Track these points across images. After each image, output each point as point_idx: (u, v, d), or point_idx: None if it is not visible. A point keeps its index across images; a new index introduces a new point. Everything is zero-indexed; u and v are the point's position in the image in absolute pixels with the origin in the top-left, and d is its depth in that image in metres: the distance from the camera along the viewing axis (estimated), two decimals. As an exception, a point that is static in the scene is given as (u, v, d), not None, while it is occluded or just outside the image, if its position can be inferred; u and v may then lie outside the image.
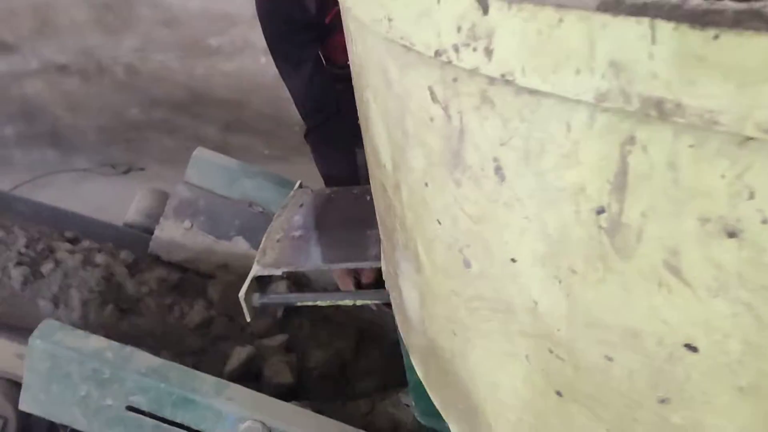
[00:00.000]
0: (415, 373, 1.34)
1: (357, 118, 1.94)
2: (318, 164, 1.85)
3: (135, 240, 1.86)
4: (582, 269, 0.55)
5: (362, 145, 2.03)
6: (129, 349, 1.27)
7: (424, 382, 1.01)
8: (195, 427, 1.26)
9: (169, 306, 1.69)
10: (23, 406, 1.26)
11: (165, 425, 1.26)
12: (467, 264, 0.71)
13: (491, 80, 0.57)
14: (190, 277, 1.80)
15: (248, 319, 1.34)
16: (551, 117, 0.52)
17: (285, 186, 1.89)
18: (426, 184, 0.74)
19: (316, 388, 1.65)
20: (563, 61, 0.49)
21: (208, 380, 1.28)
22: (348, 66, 1.81)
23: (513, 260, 0.63)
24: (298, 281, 1.80)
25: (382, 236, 1.11)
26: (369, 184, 1.87)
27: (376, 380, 1.66)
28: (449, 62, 0.60)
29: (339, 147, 1.80)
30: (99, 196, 3.97)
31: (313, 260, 1.37)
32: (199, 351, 1.61)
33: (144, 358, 1.27)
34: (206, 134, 4.35)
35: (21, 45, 4.08)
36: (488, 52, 0.55)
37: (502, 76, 0.54)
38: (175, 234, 1.84)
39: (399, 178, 0.83)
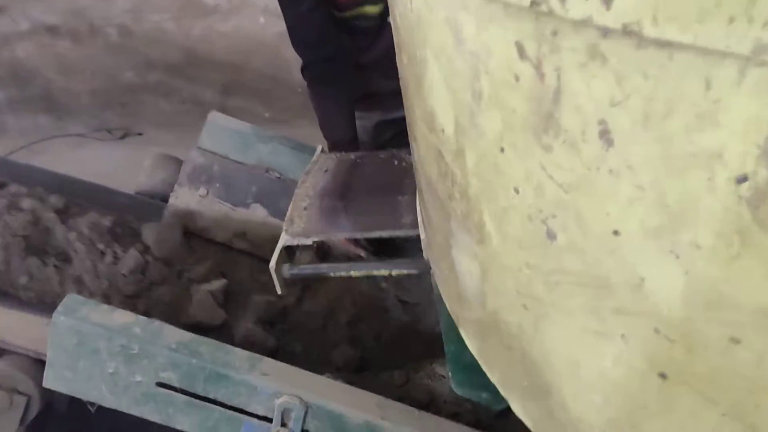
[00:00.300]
0: (454, 344, 1.31)
1: (356, 72, 1.91)
2: (315, 107, 1.80)
3: (149, 209, 1.79)
4: (710, 244, 0.50)
5: (366, 108, 2.00)
6: (157, 323, 1.22)
7: (478, 357, 0.96)
8: (228, 403, 1.22)
9: (102, 251, 1.61)
10: (47, 384, 1.21)
11: (197, 401, 1.21)
12: (551, 236, 0.66)
13: (605, 32, 0.50)
14: (125, 221, 1.72)
15: (279, 292, 1.29)
16: (686, 73, 0.46)
17: (302, 151, 1.83)
18: (502, 150, 0.68)
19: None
20: (712, 8, 0.42)
21: (241, 354, 1.23)
22: (345, 11, 1.74)
23: (615, 233, 0.58)
24: (318, 250, 1.75)
25: (426, 204, 1.05)
26: (366, 150, 1.84)
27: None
28: (549, 13, 0.54)
29: (337, 90, 1.75)
30: (97, 163, 3.88)
31: (344, 228, 1.31)
32: (134, 296, 1.55)
33: (173, 333, 1.22)
34: (204, 97, 4.24)
35: (9, 6, 3.93)
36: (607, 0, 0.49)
37: (624, 27, 0.48)
38: (190, 202, 1.77)
39: (463, 143, 0.77)
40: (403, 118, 2.16)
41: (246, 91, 4.26)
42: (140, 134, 4.30)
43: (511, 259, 0.75)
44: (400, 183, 1.43)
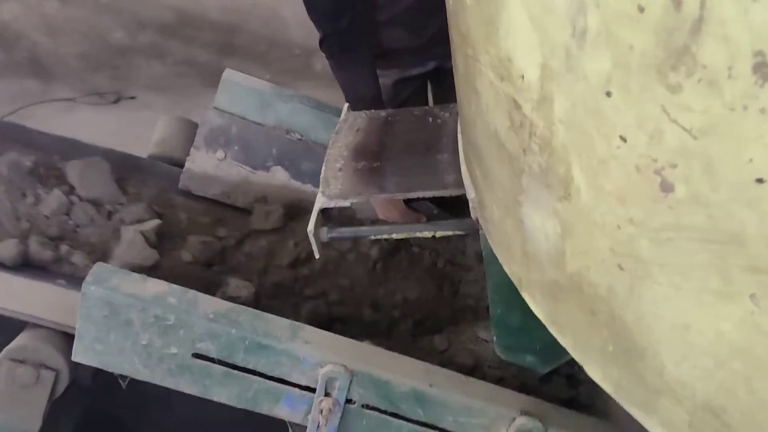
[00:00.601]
0: (500, 307, 1.26)
1: (374, 29, 1.84)
2: (338, 77, 1.73)
3: (163, 174, 1.71)
4: None
5: (385, 66, 1.92)
6: (192, 293, 1.15)
7: (547, 321, 0.91)
8: (269, 373, 1.16)
9: (23, 192, 1.53)
10: (77, 357, 1.15)
11: (235, 372, 1.16)
12: (667, 188, 0.60)
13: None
14: (47, 160, 1.62)
15: (317, 256, 1.23)
16: None
17: (323, 110, 1.75)
18: (608, 94, 0.62)
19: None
20: None
21: (281, 323, 1.17)
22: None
23: (759, 181, 0.52)
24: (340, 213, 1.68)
25: (483, 161, 0.98)
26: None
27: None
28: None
29: (357, 57, 1.69)
30: (89, 128, 3.75)
31: (384, 189, 1.24)
32: (57, 238, 1.48)
33: (210, 302, 1.16)
34: (199, 59, 4.11)
35: (-7, -35, 3.76)
36: None
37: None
38: (207, 166, 1.69)
39: (551, 89, 0.70)
40: (422, 75, 2.11)
41: (242, 52, 4.13)
42: (133, 98, 4.17)
43: (607, 215, 0.69)
44: (438, 141, 1.36)
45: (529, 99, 0.75)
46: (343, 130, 1.45)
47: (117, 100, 4.11)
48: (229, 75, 1.73)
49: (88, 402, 1.43)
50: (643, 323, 0.70)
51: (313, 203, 1.72)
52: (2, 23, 3.87)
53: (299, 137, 1.72)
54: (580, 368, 1.40)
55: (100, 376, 1.28)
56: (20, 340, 1.18)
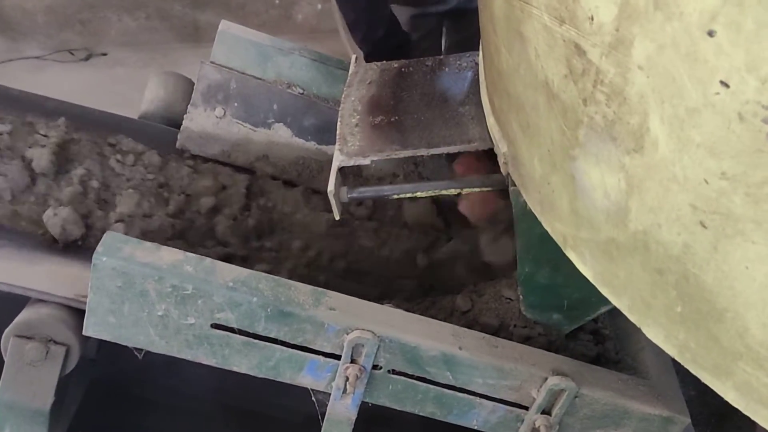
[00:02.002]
0: (529, 266, 1.21)
1: None
2: (340, 5, 1.70)
3: (158, 134, 1.62)
4: None
5: (401, 2, 1.84)
6: (209, 261, 1.08)
7: (598, 281, 0.87)
8: (291, 341, 1.11)
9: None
10: (88, 331, 1.08)
11: (256, 341, 1.10)
12: (775, 138, 0.55)
13: None
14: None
15: (337, 217, 1.17)
16: None
17: (325, 63, 1.66)
18: (710, 34, 0.56)
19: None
20: None
21: (303, 289, 1.11)
22: None
23: None
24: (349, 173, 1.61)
25: (525, 113, 0.92)
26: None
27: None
28: None
29: None
30: (60, 87, 3.58)
31: (406, 145, 1.18)
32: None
33: (228, 270, 1.09)
34: (171, 11, 3.93)
35: None
36: None
37: None
38: (206, 124, 1.60)
39: (631, 32, 0.64)
40: (440, 13, 2.01)
41: (217, 4, 3.96)
42: (105, 54, 3.99)
43: (691, 169, 0.63)
44: (457, 93, 1.29)
45: (598, 43, 0.68)
46: (354, 83, 1.37)
47: (88, 57, 3.93)
48: (226, 27, 1.62)
49: (94, 373, 1.36)
50: (726, 283, 0.66)
51: (316, 161, 1.66)
52: (-40, -24, 3.64)
53: (301, 92, 1.64)
54: (606, 324, 1.38)
55: (104, 345, 1.22)
56: (25, 314, 1.10)
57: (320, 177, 1.64)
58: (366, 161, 1.17)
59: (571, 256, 0.91)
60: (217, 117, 1.61)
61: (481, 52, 1.25)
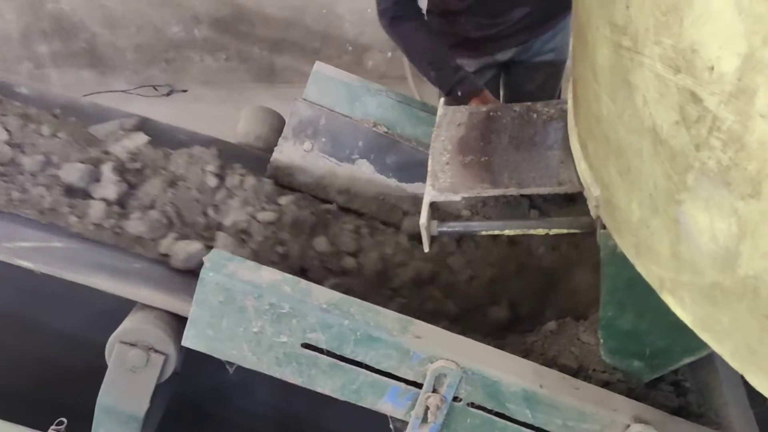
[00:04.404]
0: (612, 310, 1.22)
1: (446, 19, 1.93)
2: (403, 45, 1.87)
3: (252, 159, 1.70)
4: None
5: (463, 56, 1.97)
6: (305, 283, 1.14)
7: (698, 325, 0.88)
8: (376, 366, 1.14)
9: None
10: (187, 342, 1.14)
11: (343, 364, 1.14)
12: None
13: None
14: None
15: (426, 249, 1.21)
16: None
17: (410, 104, 1.73)
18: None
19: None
20: None
21: (391, 316, 1.15)
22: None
23: None
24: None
25: (626, 158, 0.95)
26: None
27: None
28: None
29: (417, 23, 1.81)
30: (143, 120, 3.79)
31: (497, 184, 1.22)
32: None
33: (323, 293, 1.14)
34: (251, 54, 4.12)
35: (55, -44, 3.80)
36: None
37: None
38: (294, 156, 1.68)
39: (754, 81, 0.67)
40: (497, 65, 2.13)
41: (295, 48, 4.13)
42: (185, 91, 4.19)
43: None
44: (545, 137, 1.33)
45: (717, 92, 0.72)
46: (444, 124, 1.43)
47: (169, 93, 4.14)
48: (320, 67, 1.72)
49: (176, 386, 1.41)
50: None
51: (397, 197, 1.72)
52: (62, 14, 3.90)
53: (385, 131, 1.70)
54: (687, 377, 1.36)
55: (186, 359, 1.27)
56: (130, 322, 1.17)
57: (396, 211, 1.70)
58: (456, 197, 1.22)
59: (668, 300, 0.92)
60: (305, 150, 1.69)
61: (571, 100, 1.29)
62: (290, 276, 1.13)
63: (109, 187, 1.41)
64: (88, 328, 1.46)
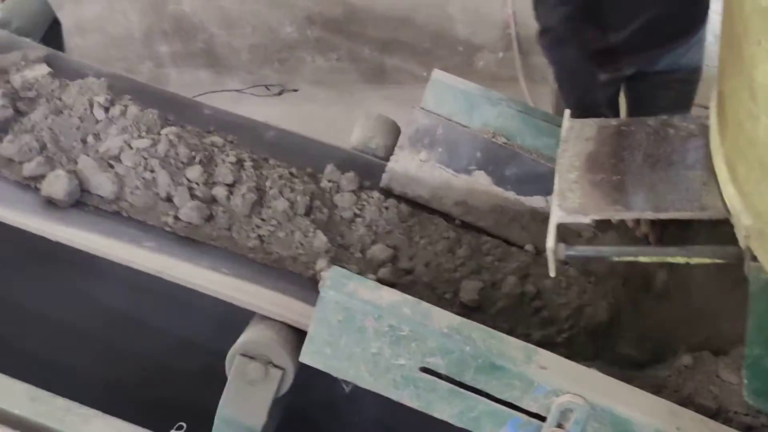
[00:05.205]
0: (759, 348, 1.12)
1: (602, 56, 1.74)
2: (555, 69, 1.68)
3: (365, 166, 1.69)
4: None
5: (610, 69, 1.81)
6: (425, 304, 1.11)
7: None
8: (497, 396, 1.10)
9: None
10: (304, 358, 1.14)
11: (462, 390, 1.10)
12: None
13: None
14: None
15: (553, 274, 1.15)
16: None
17: (531, 114, 1.67)
18: None
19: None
20: None
21: (515, 344, 1.10)
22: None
23: None
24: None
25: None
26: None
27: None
28: None
29: (578, 51, 1.62)
30: (256, 119, 3.89)
31: (630, 207, 1.14)
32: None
33: (443, 316, 1.11)
34: (361, 54, 4.13)
35: (175, -41, 3.96)
36: None
37: None
38: (410, 166, 1.65)
39: None
40: (624, 78, 1.96)
41: (405, 49, 4.11)
42: (296, 91, 4.27)
43: None
44: (684, 156, 1.23)
45: None
46: (571, 138, 1.35)
47: (281, 93, 4.23)
48: (438, 75, 1.69)
49: (289, 399, 1.43)
50: None
51: (515, 210, 1.66)
52: (183, 15, 4.07)
53: (505, 141, 1.64)
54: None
55: (298, 374, 1.27)
56: (250, 334, 1.18)
57: (514, 226, 1.63)
58: (586, 219, 1.14)
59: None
60: (421, 160, 1.65)
61: (715, 116, 1.19)
62: (410, 297, 1.11)
63: None
64: (201, 329, 1.49)
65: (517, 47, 3.80)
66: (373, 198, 1.59)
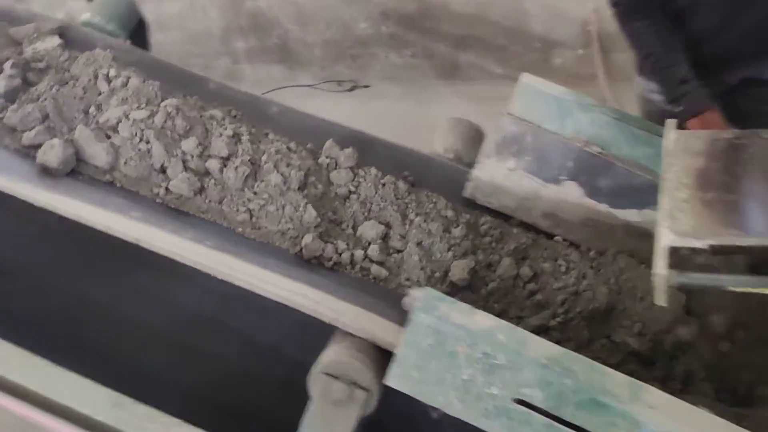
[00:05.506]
0: None
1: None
2: (633, 43, 1.72)
3: (449, 173, 1.62)
4: None
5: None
6: (520, 331, 1.04)
7: None
8: (597, 434, 1.02)
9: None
10: (391, 381, 1.09)
11: (560, 426, 1.03)
12: None
13: None
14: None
15: (663, 303, 1.06)
16: None
17: (627, 122, 1.56)
18: None
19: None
20: None
21: (620, 379, 1.02)
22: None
23: None
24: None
25: None
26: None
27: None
28: None
29: (657, 20, 1.66)
30: (325, 115, 3.88)
31: (752, 232, 1.04)
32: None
33: (540, 345, 1.04)
34: (436, 50, 4.06)
35: (252, -45, 3.98)
36: None
37: None
38: (496, 175, 1.57)
39: None
40: (724, 86, 1.80)
41: (480, 45, 4.02)
42: (367, 87, 4.24)
43: None
44: (811, 175, 1.12)
45: None
46: (677, 152, 1.25)
47: (352, 89, 4.20)
48: (527, 80, 1.60)
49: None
50: None
51: (608, 224, 1.56)
52: (259, 11, 4.09)
53: (599, 151, 1.55)
54: None
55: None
56: (334, 353, 1.14)
57: (606, 240, 1.54)
58: (700, 244, 1.05)
59: None
60: (508, 169, 1.58)
61: None
62: (505, 323, 1.04)
63: (1, 82, 1.52)
64: (282, 336, 1.47)
65: (598, 44, 3.65)
66: (370, 174, 1.54)
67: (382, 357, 1.15)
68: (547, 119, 1.57)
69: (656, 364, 1.33)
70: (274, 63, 4.32)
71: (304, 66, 4.30)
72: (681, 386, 1.31)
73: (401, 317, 1.12)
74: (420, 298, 1.04)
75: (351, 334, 1.17)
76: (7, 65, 1.56)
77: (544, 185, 1.57)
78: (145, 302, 1.53)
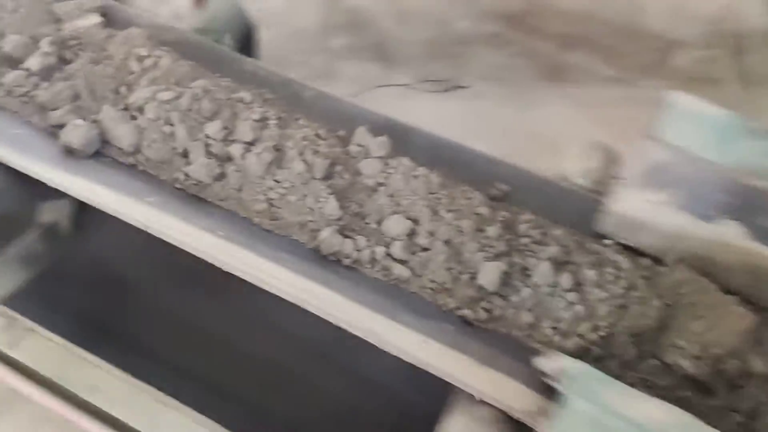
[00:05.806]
0: None
1: None
2: None
3: (579, 204, 1.44)
4: None
5: None
6: (698, 424, 0.85)
7: None
8: None
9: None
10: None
11: None
12: None
13: None
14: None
15: None
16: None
17: (802, 152, 1.32)
18: None
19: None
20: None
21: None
22: None
23: None
24: None
25: None
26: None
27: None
28: None
29: None
30: (421, 115, 3.72)
31: None
32: None
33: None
34: (539, 50, 3.83)
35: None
36: None
37: None
38: (636, 209, 1.37)
39: None
40: None
41: (587, 44, 3.76)
42: (466, 87, 4.05)
43: None
44: None
45: None
46: None
47: (450, 88, 4.03)
48: (677, 99, 1.38)
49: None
50: None
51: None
52: (357, 8, 3.99)
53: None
54: None
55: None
56: (457, 421, 0.99)
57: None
58: None
59: None
60: (651, 202, 1.37)
61: None
62: (679, 412, 0.86)
63: (37, 59, 1.48)
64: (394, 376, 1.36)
65: (732, 44, 3.32)
66: (402, 165, 1.40)
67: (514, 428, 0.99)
68: (704, 146, 1.35)
69: (716, 393, 1.12)
70: (371, 61, 4.21)
71: (400, 64, 4.16)
72: (745, 420, 1.09)
73: (529, 375, 0.98)
74: (570, 375, 0.87)
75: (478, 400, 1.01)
76: (45, 42, 1.54)
77: (694, 221, 1.36)
78: (250, 330, 1.48)
